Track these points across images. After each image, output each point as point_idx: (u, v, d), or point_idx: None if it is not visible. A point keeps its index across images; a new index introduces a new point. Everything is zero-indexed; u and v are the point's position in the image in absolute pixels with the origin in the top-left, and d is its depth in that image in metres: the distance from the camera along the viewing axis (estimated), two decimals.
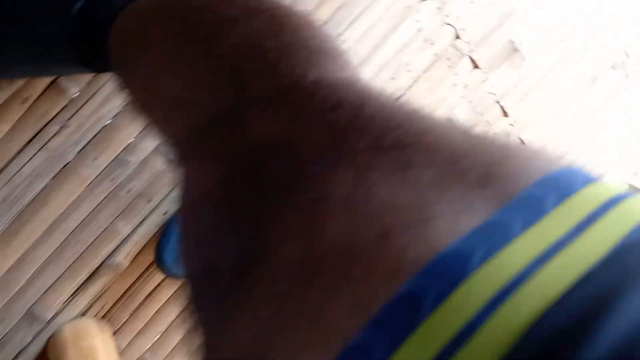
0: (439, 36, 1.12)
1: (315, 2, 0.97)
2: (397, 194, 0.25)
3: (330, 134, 0.29)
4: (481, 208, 0.24)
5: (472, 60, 1.19)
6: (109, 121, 0.88)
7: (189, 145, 0.37)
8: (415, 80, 1.14)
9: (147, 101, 0.45)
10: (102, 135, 0.88)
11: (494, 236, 0.22)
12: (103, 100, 0.86)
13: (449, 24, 1.12)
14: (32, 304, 0.89)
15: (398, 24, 1.06)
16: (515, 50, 1.23)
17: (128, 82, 0.48)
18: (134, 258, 0.96)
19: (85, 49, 0.63)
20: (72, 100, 0.84)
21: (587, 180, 0.25)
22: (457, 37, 1.14)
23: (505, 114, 1.30)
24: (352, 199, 0.26)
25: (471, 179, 0.25)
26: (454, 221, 0.23)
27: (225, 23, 0.39)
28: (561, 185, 0.25)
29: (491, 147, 0.28)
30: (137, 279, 0.97)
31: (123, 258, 0.95)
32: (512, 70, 1.25)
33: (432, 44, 1.12)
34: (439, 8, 1.09)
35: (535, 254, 0.22)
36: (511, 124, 1.32)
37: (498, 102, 1.28)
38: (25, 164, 0.84)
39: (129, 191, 0.92)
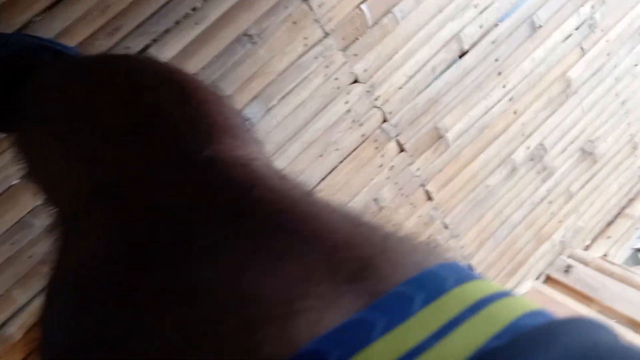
0: (367, 118, 1.15)
1: (247, 76, 0.98)
2: (267, 284, 0.25)
3: (213, 215, 0.29)
4: (349, 304, 0.24)
5: (399, 144, 1.22)
6: (17, 181, 0.82)
7: (76, 213, 0.35)
8: (343, 159, 1.16)
9: (40, 163, 0.42)
10: (8, 194, 0.82)
11: (354, 337, 0.22)
12: (14, 158, 0.81)
13: (377, 107, 1.16)
14: None
15: (328, 102, 1.08)
16: (440, 136, 1.28)
17: (25, 142, 0.46)
18: (28, 331, 0.88)
19: None
20: None
21: (461, 278, 0.26)
22: (385, 120, 1.18)
23: (430, 198, 1.33)
24: (222, 285, 0.26)
25: (345, 273, 0.26)
26: (317, 317, 0.23)
27: (135, 91, 0.38)
28: (432, 284, 0.25)
29: (372, 239, 0.29)
30: (29, 355, 0.89)
31: (16, 329, 0.86)
32: (436, 155, 1.30)
33: (360, 124, 1.15)
34: (368, 91, 1.13)
35: (392, 359, 0.21)
36: (435, 208, 1.35)
37: (423, 186, 1.31)
38: None
39: (30, 257, 0.85)
